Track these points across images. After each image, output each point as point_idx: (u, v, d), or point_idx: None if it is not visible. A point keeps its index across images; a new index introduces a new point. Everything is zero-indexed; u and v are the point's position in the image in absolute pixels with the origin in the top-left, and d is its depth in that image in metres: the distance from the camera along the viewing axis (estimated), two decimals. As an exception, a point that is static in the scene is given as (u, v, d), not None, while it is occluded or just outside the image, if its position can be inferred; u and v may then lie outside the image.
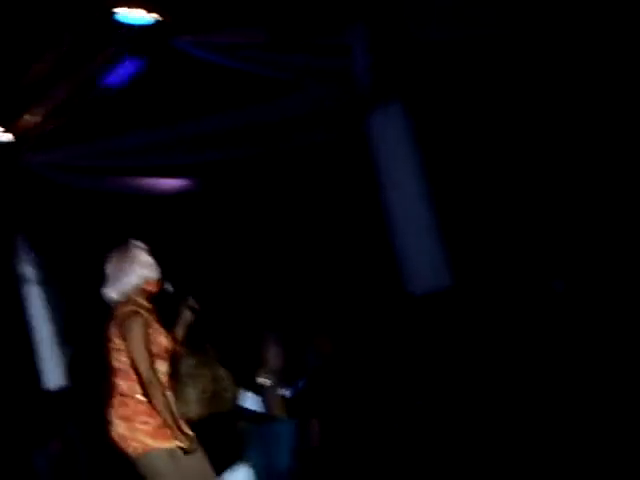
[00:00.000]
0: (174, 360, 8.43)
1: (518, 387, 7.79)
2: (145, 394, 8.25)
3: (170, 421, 8.11)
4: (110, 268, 8.60)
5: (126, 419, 8.14)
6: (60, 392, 12.16)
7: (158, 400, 8.23)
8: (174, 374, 8.22)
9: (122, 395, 8.29)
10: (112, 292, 8.58)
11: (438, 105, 9.36)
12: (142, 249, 8.71)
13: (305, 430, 9.28)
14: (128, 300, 8.42)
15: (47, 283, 11.90)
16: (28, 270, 12.02)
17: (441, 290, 8.30)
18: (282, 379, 9.43)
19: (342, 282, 10.97)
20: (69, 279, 12.22)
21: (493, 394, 7.83)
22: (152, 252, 12.51)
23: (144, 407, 8.21)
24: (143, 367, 8.20)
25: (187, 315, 8.40)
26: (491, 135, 9.80)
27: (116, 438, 8.15)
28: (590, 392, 7.53)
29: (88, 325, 12.93)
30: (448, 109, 9.54)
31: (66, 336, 11.73)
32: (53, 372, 12.05)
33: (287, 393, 9.44)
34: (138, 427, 8.08)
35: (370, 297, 10.17)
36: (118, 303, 8.52)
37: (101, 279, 13.61)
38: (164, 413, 8.17)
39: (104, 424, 11.35)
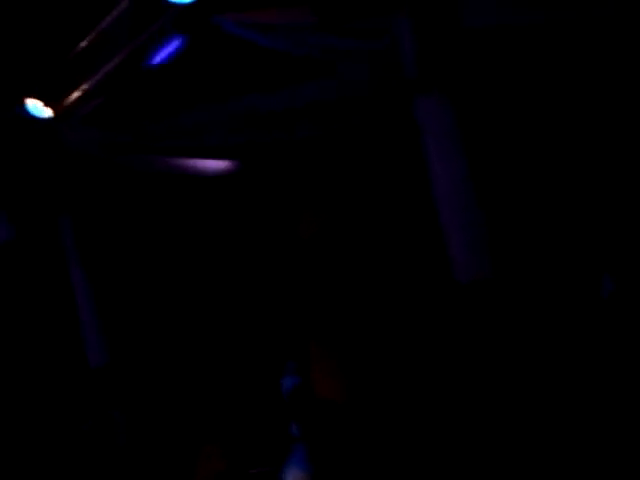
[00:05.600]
0: None
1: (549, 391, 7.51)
2: None
3: None
4: None
5: None
6: (103, 371, 12.21)
7: None
8: None
9: None
10: None
11: (485, 94, 9.19)
12: None
13: None
14: None
15: (91, 264, 11.94)
16: (72, 251, 12.05)
17: (483, 280, 8.14)
18: None
19: (390, 269, 10.87)
20: (113, 260, 12.26)
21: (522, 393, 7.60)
22: (197, 233, 12.54)
23: None
24: None
25: None
26: (540, 123, 9.62)
27: None
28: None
29: (132, 306, 13.02)
30: (495, 98, 9.36)
31: (110, 317, 11.79)
32: (97, 351, 12.11)
33: None
34: None
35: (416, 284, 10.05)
36: None
37: (146, 259, 13.76)
38: None
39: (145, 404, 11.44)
